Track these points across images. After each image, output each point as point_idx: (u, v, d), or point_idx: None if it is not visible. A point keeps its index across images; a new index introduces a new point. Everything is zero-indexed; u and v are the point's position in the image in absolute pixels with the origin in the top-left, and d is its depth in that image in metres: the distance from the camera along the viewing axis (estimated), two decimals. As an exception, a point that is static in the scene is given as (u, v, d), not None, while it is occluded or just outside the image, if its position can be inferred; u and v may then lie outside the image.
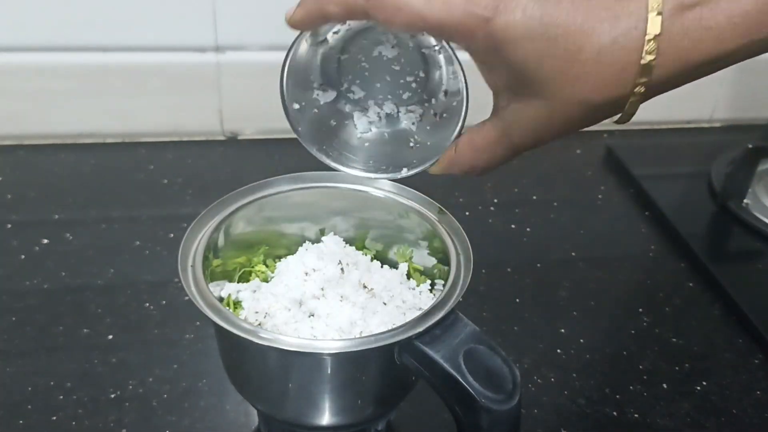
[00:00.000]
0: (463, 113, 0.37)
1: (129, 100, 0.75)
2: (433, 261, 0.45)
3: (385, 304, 0.42)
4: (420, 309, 0.41)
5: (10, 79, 0.72)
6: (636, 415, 0.50)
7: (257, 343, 0.35)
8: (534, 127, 0.34)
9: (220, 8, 0.72)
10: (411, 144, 0.41)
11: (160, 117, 0.77)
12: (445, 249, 0.42)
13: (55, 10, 0.69)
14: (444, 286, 0.39)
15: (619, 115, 0.34)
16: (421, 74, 0.40)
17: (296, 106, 0.40)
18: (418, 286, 0.44)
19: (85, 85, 0.74)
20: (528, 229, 0.69)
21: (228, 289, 0.43)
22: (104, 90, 0.74)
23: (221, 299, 0.42)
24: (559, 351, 0.55)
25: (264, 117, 0.78)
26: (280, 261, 0.45)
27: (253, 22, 0.73)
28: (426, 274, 0.45)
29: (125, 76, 0.74)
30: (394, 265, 0.46)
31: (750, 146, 0.70)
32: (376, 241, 0.47)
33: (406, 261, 0.46)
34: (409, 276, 0.45)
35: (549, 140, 0.35)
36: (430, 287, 0.44)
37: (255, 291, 0.43)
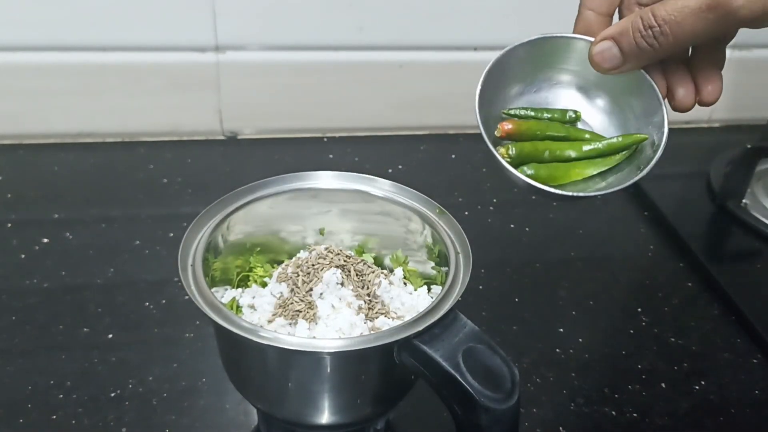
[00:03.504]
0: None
1: (129, 99, 0.75)
2: (431, 264, 0.45)
3: (384, 306, 0.42)
4: (418, 311, 0.41)
5: (10, 79, 0.72)
6: (635, 415, 0.50)
7: (257, 342, 0.35)
8: None
9: (219, 8, 0.72)
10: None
11: (159, 116, 0.77)
12: (443, 250, 0.42)
13: (55, 9, 0.69)
14: (443, 285, 0.40)
15: None
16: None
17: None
18: (416, 290, 0.44)
19: (84, 85, 0.74)
20: (527, 229, 0.69)
21: (229, 295, 0.43)
22: (104, 89, 0.74)
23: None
24: (558, 350, 0.55)
25: (264, 117, 0.78)
26: (276, 268, 0.45)
27: (253, 22, 0.73)
28: (423, 276, 0.45)
29: (125, 75, 0.74)
30: (390, 270, 0.46)
31: (749, 146, 0.70)
32: (375, 246, 0.47)
33: (401, 266, 0.46)
34: (405, 282, 0.45)
35: None
36: (427, 290, 0.45)
37: (254, 297, 0.43)
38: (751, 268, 0.66)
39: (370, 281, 0.43)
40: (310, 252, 0.45)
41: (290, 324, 0.40)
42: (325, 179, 0.46)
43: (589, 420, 0.50)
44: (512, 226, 0.69)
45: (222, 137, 0.79)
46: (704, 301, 0.61)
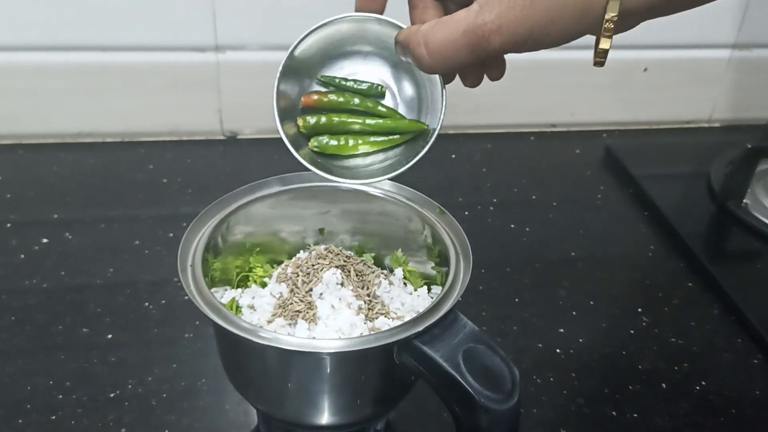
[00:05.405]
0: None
1: (128, 99, 0.75)
2: (431, 265, 0.45)
3: (384, 306, 0.42)
4: (418, 312, 0.41)
5: (10, 79, 0.72)
6: (635, 415, 0.50)
7: (257, 343, 0.35)
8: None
9: (219, 8, 0.72)
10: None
11: (159, 116, 0.77)
12: (444, 250, 0.42)
13: (55, 10, 0.69)
14: (443, 285, 0.39)
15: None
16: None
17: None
18: (416, 290, 0.44)
19: (84, 85, 0.74)
20: (527, 229, 0.69)
21: (228, 295, 0.43)
22: (104, 89, 0.74)
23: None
24: (558, 351, 0.55)
25: (263, 116, 0.77)
26: (275, 268, 0.45)
27: (253, 22, 0.73)
28: (423, 277, 0.45)
29: (125, 75, 0.74)
30: (390, 270, 0.46)
31: (749, 146, 0.70)
32: (375, 246, 0.47)
33: (401, 266, 0.46)
34: (405, 282, 0.45)
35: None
36: (427, 290, 0.45)
37: (254, 297, 0.43)
38: (752, 268, 0.66)
39: (370, 281, 0.43)
40: (310, 252, 0.45)
41: (290, 324, 0.40)
42: (324, 179, 0.46)
43: (590, 420, 0.50)
44: (512, 226, 0.69)
45: (222, 137, 0.79)
46: (705, 301, 0.61)
